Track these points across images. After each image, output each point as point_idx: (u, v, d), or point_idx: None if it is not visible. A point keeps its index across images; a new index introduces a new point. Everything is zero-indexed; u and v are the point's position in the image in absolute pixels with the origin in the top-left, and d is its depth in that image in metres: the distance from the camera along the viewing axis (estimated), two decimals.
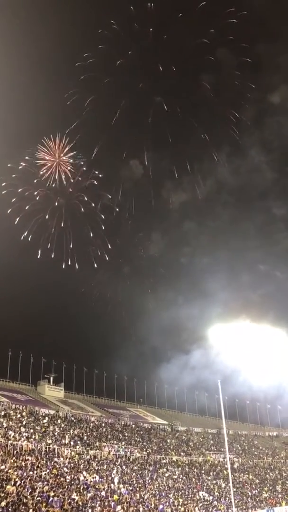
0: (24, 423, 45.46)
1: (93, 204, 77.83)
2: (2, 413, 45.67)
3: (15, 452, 37.09)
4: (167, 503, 40.34)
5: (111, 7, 70.66)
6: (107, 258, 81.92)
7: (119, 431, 57.93)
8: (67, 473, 37.28)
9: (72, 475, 37.04)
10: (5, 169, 69.16)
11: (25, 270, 74.29)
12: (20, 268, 73.12)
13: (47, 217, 74.72)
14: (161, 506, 38.61)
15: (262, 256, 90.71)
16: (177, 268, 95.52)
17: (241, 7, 70.99)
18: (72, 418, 54.76)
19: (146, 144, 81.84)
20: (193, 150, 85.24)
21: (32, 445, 39.97)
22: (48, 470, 35.43)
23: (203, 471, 55.17)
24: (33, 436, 42.56)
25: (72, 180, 74.62)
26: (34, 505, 27.25)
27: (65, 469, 38.11)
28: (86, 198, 76.49)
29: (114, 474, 42.64)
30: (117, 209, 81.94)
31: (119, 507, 34.18)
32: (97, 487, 36.84)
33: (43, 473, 34.12)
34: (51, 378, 67.22)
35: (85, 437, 49.87)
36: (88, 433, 51.67)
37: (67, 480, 35.23)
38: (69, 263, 77.57)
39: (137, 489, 41.17)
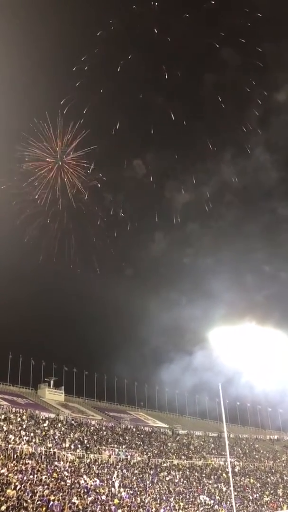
0: (24, 426, 45.36)
1: (96, 208, 77.62)
2: (3, 416, 45.60)
3: (15, 455, 36.99)
4: (168, 507, 40.19)
5: (113, 6, 70.21)
6: (109, 260, 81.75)
7: (120, 435, 57.79)
8: (68, 477, 37.18)
9: (73, 479, 36.94)
10: (6, 171, 69.10)
11: (26, 274, 74.40)
12: (20, 272, 73.19)
13: (48, 221, 74.59)
14: (162, 510, 38.51)
15: (267, 257, 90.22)
16: (180, 269, 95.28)
17: (255, 8, 69.18)
18: (73, 422, 54.65)
19: (149, 145, 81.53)
20: (197, 150, 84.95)
21: (32, 449, 39.87)
22: (48, 474, 35.32)
23: (204, 475, 54.98)
24: (34, 440, 42.46)
25: (74, 182, 74.43)
26: (35, 509, 27.19)
27: (65, 473, 38.01)
28: (88, 200, 76.25)
29: (114, 477, 42.51)
30: (120, 211, 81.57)
31: (119, 511, 34.09)
32: (97, 491, 36.73)
33: (43, 477, 34.00)
34: (52, 382, 67.16)
35: (86, 441, 49.77)
36: (89, 437, 51.57)
37: (68, 484, 35.11)
38: (71, 266, 77.41)
39: (138, 493, 41.02)
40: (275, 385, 77.55)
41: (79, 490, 34.83)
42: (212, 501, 46.91)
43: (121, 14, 68.36)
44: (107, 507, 33.78)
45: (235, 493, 47.11)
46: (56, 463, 39.53)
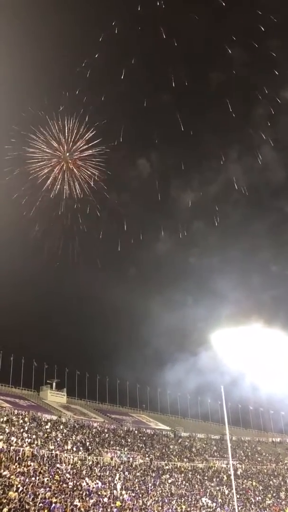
0: (26, 428, 45.37)
1: (99, 206, 77.38)
2: (5, 418, 45.59)
3: (17, 458, 37.05)
4: (170, 510, 40.16)
5: (116, 6, 69.87)
6: (113, 261, 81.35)
7: (122, 437, 57.75)
8: (70, 479, 37.18)
9: (75, 481, 36.94)
10: (6, 171, 69.00)
11: (28, 276, 74.24)
12: (23, 274, 73.07)
13: (52, 222, 74.39)
14: None
15: (274, 257, 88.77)
16: (185, 269, 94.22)
17: (268, 10, 68.38)
18: (75, 424, 54.64)
19: (155, 142, 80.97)
20: (203, 149, 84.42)
21: (34, 451, 39.89)
22: (50, 476, 35.35)
23: (206, 478, 54.88)
24: (36, 442, 42.46)
25: (79, 181, 74.24)
26: (37, 511, 27.20)
27: (67, 475, 38.02)
28: (92, 199, 75.98)
29: (116, 480, 42.49)
30: (124, 209, 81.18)
31: None
32: (99, 493, 36.74)
33: (45, 479, 34.03)
34: (54, 384, 67.13)
35: (88, 443, 49.75)
36: (91, 439, 51.54)
37: (70, 486, 35.13)
38: (74, 267, 77.18)
39: (140, 495, 40.99)
40: (278, 388, 77.07)
41: (81, 492, 34.84)
42: (214, 504, 46.81)
43: (126, 14, 68.04)
44: (109, 510, 33.80)
45: (237, 496, 47.00)
46: (58, 465, 39.55)
